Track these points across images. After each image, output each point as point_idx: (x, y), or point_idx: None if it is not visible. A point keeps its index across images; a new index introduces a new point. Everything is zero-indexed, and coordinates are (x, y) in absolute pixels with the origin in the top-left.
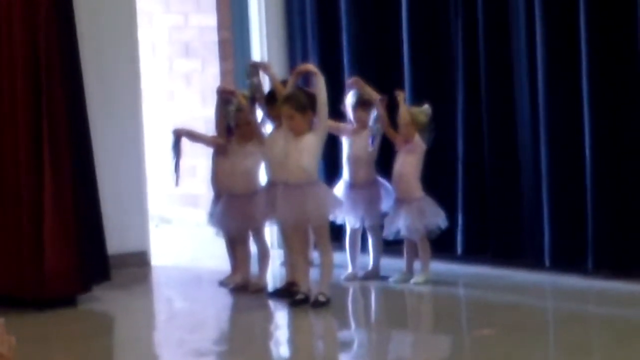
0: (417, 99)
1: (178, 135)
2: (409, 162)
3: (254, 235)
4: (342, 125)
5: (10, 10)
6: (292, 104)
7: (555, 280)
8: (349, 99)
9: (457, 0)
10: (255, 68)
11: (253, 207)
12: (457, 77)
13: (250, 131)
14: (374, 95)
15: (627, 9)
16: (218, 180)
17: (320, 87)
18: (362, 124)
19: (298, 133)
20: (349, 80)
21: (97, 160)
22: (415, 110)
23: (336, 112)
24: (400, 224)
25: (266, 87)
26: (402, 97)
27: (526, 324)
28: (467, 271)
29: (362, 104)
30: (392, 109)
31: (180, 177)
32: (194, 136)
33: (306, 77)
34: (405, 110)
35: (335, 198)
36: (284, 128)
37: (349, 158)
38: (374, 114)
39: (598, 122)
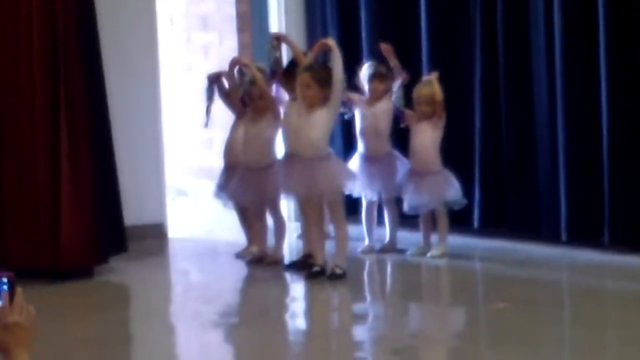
0: (435, 71)
1: (212, 79)
2: (433, 136)
3: (270, 208)
4: (356, 96)
5: None
6: (313, 74)
7: (571, 255)
8: (364, 70)
9: None
10: (277, 41)
11: (269, 180)
12: (475, 51)
13: (264, 104)
14: (399, 67)
15: None
16: (231, 151)
17: (336, 64)
18: (377, 96)
19: (311, 104)
20: (383, 45)
21: (115, 132)
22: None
23: (352, 85)
24: (423, 198)
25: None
26: (437, 75)
27: (542, 298)
28: (483, 245)
29: (379, 75)
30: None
31: (210, 120)
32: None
33: (323, 51)
34: (438, 88)
35: (348, 171)
36: (298, 101)
37: (363, 130)
38: (395, 88)
39: (615, 97)
